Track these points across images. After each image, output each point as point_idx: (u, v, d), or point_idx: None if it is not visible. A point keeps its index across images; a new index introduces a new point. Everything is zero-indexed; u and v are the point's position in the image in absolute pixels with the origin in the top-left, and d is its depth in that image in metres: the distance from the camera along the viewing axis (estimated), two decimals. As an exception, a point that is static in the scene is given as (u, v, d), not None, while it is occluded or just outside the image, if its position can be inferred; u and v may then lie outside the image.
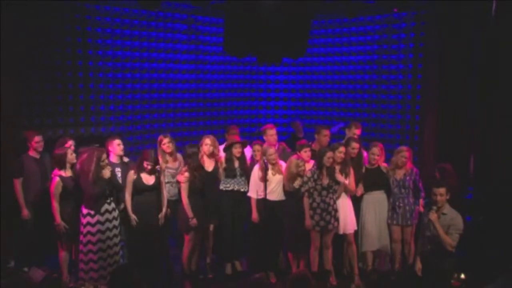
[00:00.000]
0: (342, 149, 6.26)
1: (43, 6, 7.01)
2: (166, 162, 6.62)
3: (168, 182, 6.55)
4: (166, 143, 6.61)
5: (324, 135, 7.04)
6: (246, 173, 6.60)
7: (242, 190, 6.59)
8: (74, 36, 7.65)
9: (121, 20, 8.16)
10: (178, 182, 6.31)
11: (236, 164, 6.60)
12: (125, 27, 8.21)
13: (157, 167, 6.43)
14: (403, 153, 6.42)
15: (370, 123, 9.01)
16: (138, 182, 6.10)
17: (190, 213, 6.15)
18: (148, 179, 6.15)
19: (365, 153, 6.70)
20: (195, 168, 6.19)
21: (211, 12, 8.99)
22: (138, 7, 8.15)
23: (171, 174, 6.57)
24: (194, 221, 6.15)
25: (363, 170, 6.58)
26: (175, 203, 6.40)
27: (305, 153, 6.42)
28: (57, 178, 5.96)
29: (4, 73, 6.53)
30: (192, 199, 6.20)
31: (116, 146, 6.40)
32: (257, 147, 6.68)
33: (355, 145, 6.54)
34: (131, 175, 6.10)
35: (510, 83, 6.89)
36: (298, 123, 9.06)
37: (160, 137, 6.71)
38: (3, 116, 6.55)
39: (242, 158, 6.65)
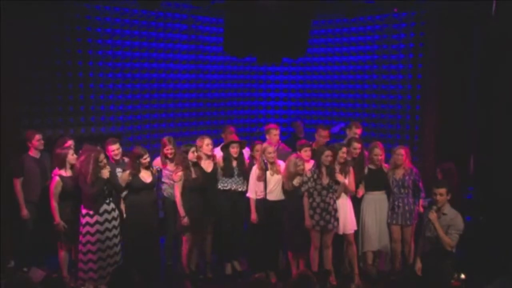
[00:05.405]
0: (344, 149, 6.27)
1: (43, 6, 7.01)
2: (166, 163, 6.64)
3: (164, 182, 6.64)
4: (170, 150, 6.61)
5: (322, 136, 7.06)
6: (244, 173, 6.59)
7: (239, 189, 6.59)
8: (74, 36, 7.65)
9: (121, 20, 8.16)
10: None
11: (234, 163, 6.59)
12: (125, 27, 8.21)
13: (156, 167, 6.45)
14: (399, 151, 6.45)
15: (370, 123, 9.00)
16: (135, 181, 6.10)
17: (182, 212, 6.15)
18: (146, 177, 6.15)
19: (365, 153, 6.70)
20: (186, 166, 6.19)
21: (211, 12, 8.99)
22: (138, 7, 8.15)
23: (168, 175, 6.60)
24: (185, 220, 6.15)
25: (365, 170, 6.58)
26: (175, 203, 6.40)
27: (305, 153, 6.43)
28: (57, 178, 5.97)
29: (4, 73, 6.53)
30: (191, 198, 6.20)
31: (111, 152, 6.45)
32: (257, 147, 6.67)
33: (356, 145, 6.55)
34: (125, 175, 6.11)
35: (510, 83, 6.89)
36: (299, 123, 9.06)
37: (164, 140, 6.70)
38: (3, 116, 6.55)
39: (240, 158, 6.64)
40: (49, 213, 6.05)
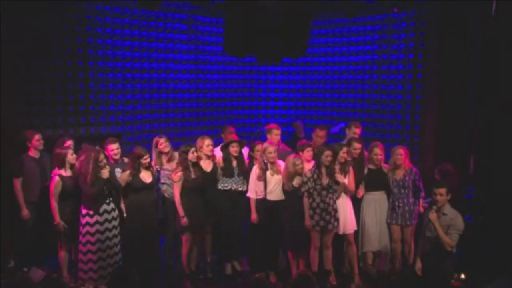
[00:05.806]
0: (345, 149, 6.27)
1: (43, 6, 7.01)
2: (162, 164, 6.64)
3: (164, 183, 6.60)
4: (163, 143, 6.64)
5: (319, 136, 7.06)
6: (244, 173, 6.59)
7: (240, 189, 6.57)
8: (74, 36, 7.65)
9: (121, 20, 8.16)
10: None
11: (234, 163, 6.59)
12: (125, 27, 8.22)
13: (156, 167, 6.45)
14: (398, 151, 6.45)
15: (370, 123, 9.01)
16: (135, 181, 6.10)
17: (181, 212, 6.16)
18: (146, 178, 6.15)
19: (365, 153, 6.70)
20: (186, 167, 6.19)
21: (211, 12, 9.00)
22: (138, 7, 8.16)
23: (167, 175, 6.58)
24: (184, 220, 6.15)
25: (365, 170, 6.58)
26: (175, 203, 6.38)
27: (307, 153, 6.42)
28: (57, 178, 5.97)
29: (4, 73, 6.53)
30: (191, 198, 6.19)
31: (110, 151, 6.45)
32: (257, 147, 6.66)
33: (357, 145, 6.54)
34: (125, 176, 6.12)
35: (510, 83, 6.89)
36: (299, 123, 9.07)
37: (156, 138, 6.75)
38: (3, 116, 6.55)
39: (240, 157, 6.63)
40: (49, 213, 6.05)
